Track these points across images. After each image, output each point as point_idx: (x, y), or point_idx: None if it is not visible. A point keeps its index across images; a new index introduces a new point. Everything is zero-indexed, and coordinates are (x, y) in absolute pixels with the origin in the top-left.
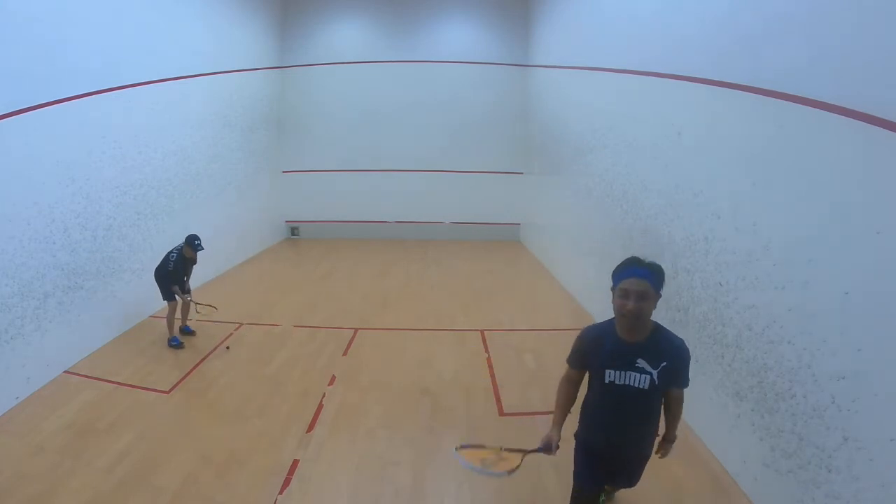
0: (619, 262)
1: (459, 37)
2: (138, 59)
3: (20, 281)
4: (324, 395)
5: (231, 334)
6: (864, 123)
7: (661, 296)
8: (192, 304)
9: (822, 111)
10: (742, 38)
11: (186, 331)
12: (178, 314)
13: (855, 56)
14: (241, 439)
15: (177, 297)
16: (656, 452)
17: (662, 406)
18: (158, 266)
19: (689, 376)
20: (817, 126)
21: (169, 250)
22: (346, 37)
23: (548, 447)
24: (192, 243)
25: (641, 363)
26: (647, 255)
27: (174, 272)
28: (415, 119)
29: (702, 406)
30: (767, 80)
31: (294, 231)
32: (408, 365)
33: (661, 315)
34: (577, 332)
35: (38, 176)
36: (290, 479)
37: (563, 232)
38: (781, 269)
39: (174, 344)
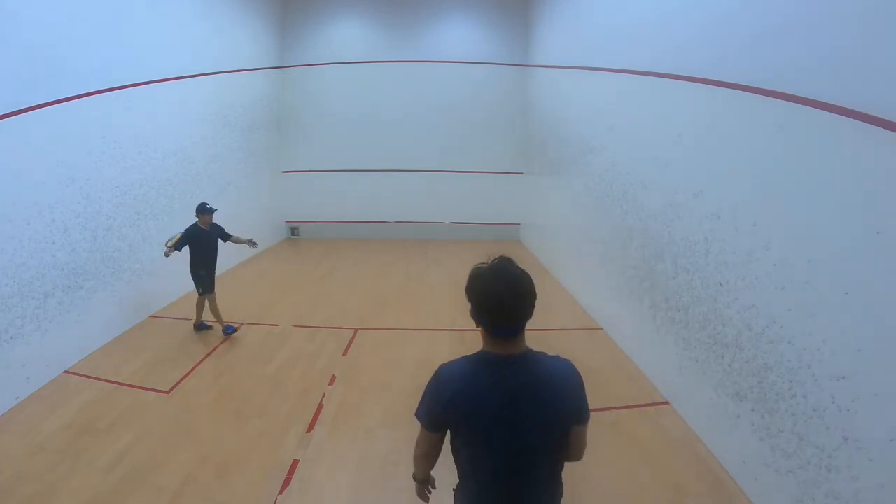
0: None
1: (459, 37)
2: (138, 59)
3: (20, 281)
4: (324, 395)
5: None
6: (864, 123)
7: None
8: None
9: (822, 111)
10: (742, 38)
11: (203, 327)
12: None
13: (855, 56)
14: (241, 439)
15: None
16: None
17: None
18: (208, 260)
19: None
20: (817, 126)
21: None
22: (346, 37)
23: None
24: (204, 209)
25: None
26: (647, 255)
27: (184, 235)
28: (415, 119)
29: (702, 406)
30: (767, 81)
31: (294, 231)
32: (408, 365)
33: (662, 315)
34: (576, 332)
35: (38, 176)
36: (290, 479)
37: (563, 232)
38: (781, 269)
39: (204, 327)
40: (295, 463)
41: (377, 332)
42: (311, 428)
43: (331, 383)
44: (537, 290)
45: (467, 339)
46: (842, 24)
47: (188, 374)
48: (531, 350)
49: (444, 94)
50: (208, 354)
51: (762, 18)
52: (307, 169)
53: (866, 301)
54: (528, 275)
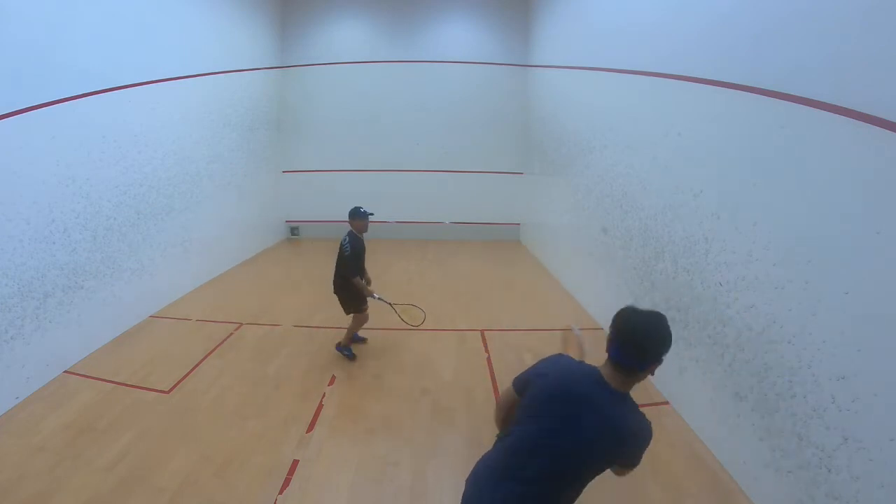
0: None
1: (459, 37)
2: (138, 59)
3: (20, 281)
4: (324, 395)
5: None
6: (864, 123)
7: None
8: (391, 305)
9: (822, 111)
10: (742, 38)
11: (351, 350)
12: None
13: (855, 56)
14: (241, 439)
15: (368, 296)
16: None
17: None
18: (335, 272)
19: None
20: (818, 126)
21: (342, 245)
22: (346, 37)
23: None
24: (359, 213)
25: None
26: (647, 255)
27: (354, 256)
28: (415, 119)
29: (702, 406)
30: (768, 81)
31: (294, 231)
32: (408, 365)
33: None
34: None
35: (38, 176)
36: (290, 479)
37: (563, 232)
38: (781, 269)
39: (347, 354)
40: (295, 463)
41: (377, 331)
42: (311, 428)
43: (331, 383)
44: (536, 290)
45: (468, 339)
46: (842, 25)
47: (188, 374)
48: (630, 397)
49: (444, 94)
50: (208, 354)
51: (762, 18)
52: (307, 169)
53: (866, 301)
54: (661, 336)
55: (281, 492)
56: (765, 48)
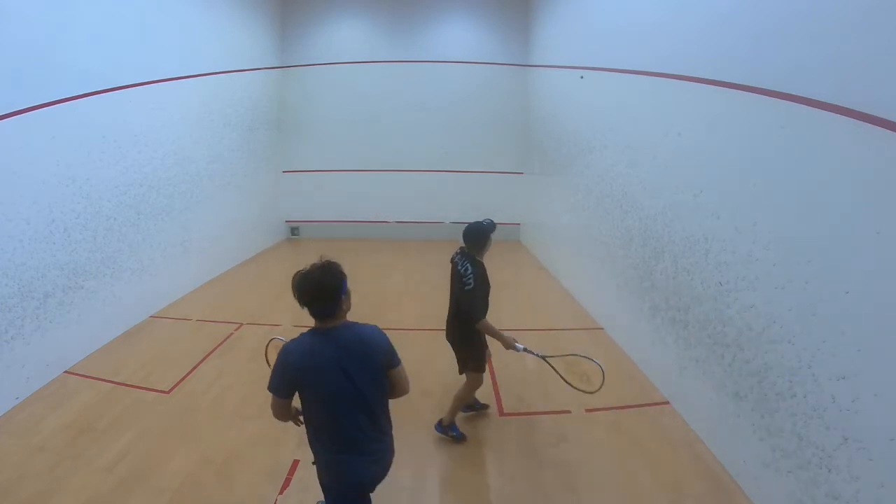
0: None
1: (459, 37)
2: (138, 58)
3: (20, 281)
4: None
5: None
6: (864, 123)
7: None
8: (544, 359)
9: (822, 111)
10: (742, 38)
11: (478, 406)
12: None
13: (855, 56)
14: (241, 439)
15: (509, 348)
16: None
17: None
18: (451, 312)
19: None
20: (818, 126)
21: (460, 273)
22: (346, 37)
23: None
24: (488, 231)
25: None
26: (647, 255)
27: (482, 290)
28: (415, 119)
29: (702, 406)
30: (768, 81)
31: (294, 231)
32: (407, 365)
33: (662, 315)
34: (576, 332)
35: (38, 176)
36: (290, 479)
37: (564, 232)
38: (781, 269)
39: (454, 434)
40: (295, 463)
41: None
42: None
43: None
44: (536, 290)
45: None
46: (842, 25)
47: (188, 374)
48: (347, 321)
49: (444, 94)
50: (208, 354)
51: (762, 18)
52: (307, 169)
53: (866, 301)
54: (330, 276)
55: (281, 492)
56: (765, 48)
